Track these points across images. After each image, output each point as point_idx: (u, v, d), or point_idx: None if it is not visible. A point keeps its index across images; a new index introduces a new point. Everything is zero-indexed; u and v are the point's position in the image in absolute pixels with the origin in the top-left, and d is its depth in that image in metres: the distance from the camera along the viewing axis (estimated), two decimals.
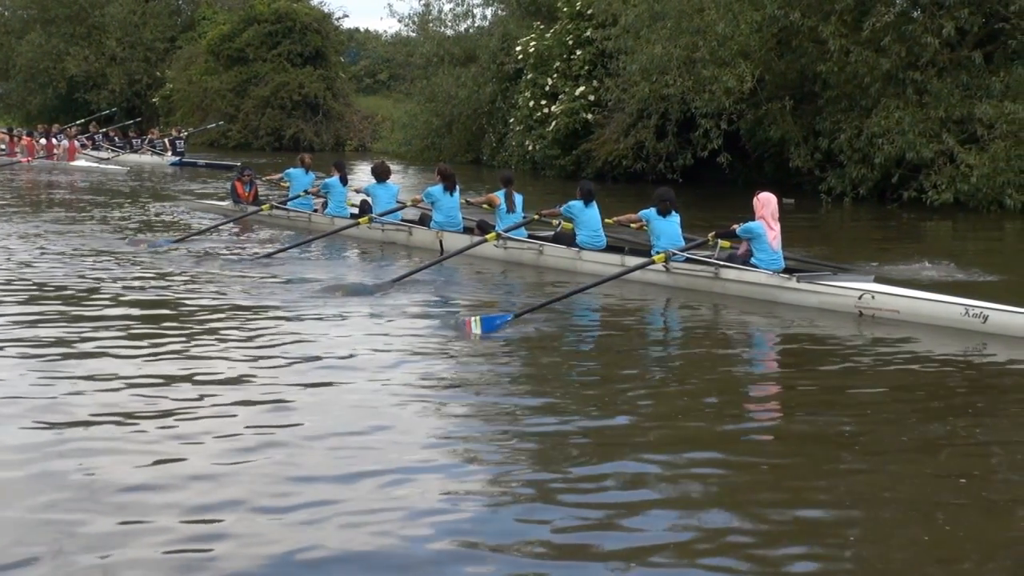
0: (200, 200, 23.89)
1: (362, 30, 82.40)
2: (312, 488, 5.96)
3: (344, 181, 19.07)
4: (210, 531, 5.43)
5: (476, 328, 10.32)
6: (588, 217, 14.68)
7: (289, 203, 19.82)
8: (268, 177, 22.71)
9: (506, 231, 15.28)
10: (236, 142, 55.63)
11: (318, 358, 8.93)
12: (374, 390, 7.99)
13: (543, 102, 36.13)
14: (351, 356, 9.04)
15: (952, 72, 25.03)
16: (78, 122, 47.71)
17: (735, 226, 12.80)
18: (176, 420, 7.18)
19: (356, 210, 18.74)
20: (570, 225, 14.98)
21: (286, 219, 19.77)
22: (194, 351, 9.16)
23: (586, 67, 35.08)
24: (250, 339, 9.67)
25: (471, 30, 47.41)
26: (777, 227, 12.54)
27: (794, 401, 8.21)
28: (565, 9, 36.50)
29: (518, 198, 16.14)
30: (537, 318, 10.91)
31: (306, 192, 19.71)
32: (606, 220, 14.81)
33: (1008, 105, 23.26)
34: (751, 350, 10.56)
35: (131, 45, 64.38)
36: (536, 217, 15.69)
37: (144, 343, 9.39)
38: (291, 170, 20.50)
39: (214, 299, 11.63)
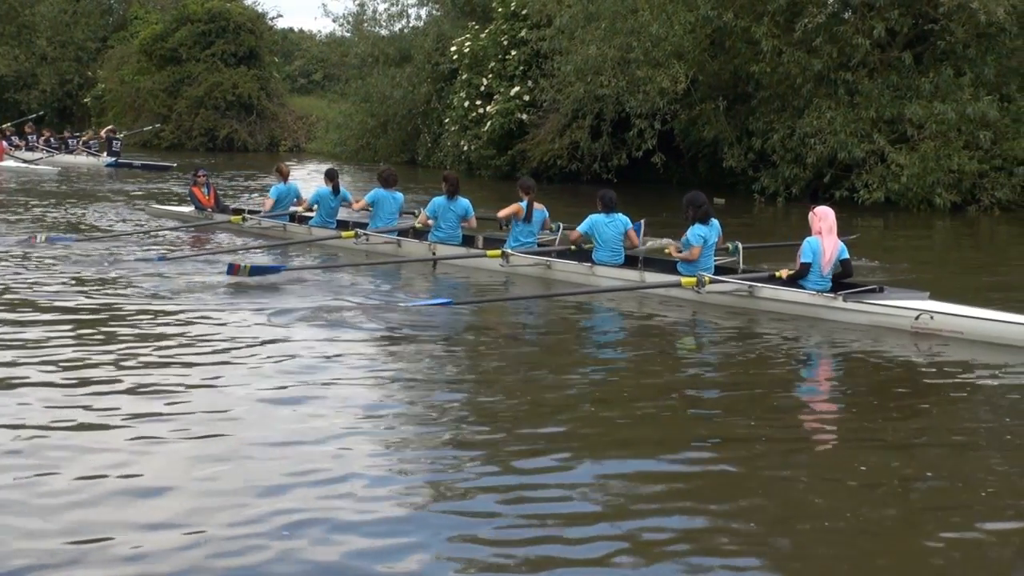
0: (160, 206, 22.35)
1: (296, 30, 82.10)
2: (251, 499, 5.88)
3: (336, 191, 17.53)
4: (149, 547, 5.34)
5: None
6: (609, 233, 13.27)
7: (264, 214, 18.43)
8: (262, 208, 19.36)
9: (515, 249, 14.06)
10: (169, 143, 55.04)
11: (261, 361, 8.84)
12: (325, 393, 7.91)
13: (478, 102, 36.17)
14: (302, 358, 8.91)
15: (882, 73, 25.32)
16: (7, 124, 46.94)
17: (796, 264, 11.45)
18: (104, 429, 7.08)
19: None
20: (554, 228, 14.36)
21: (258, 227, 18.23)
22: (117, 356, 9.00)
23: (521, 67, 35.11)
24: (182, 342, 9.55)
25: (406, 30, 47.27)
26: (833, 241, 11.39)
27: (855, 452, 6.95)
28: (500, 9, 36.53)
29: (537, 214, 14.57)
30: (537, 330, 10.67)
31: (296, 202, 18.49)
32: (666, 251, 12.99)
33: (937, 105, 23.58)
34: (793, 381, 9.17)
35: (62, 44, 63.79)
36: (572, 248, 13.77)
37: (71, 348, 9.25)
38: (273, 187, 18.90)
39: (135, 301, 11.45)
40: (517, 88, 34.64)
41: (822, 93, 25.48)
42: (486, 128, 35.20)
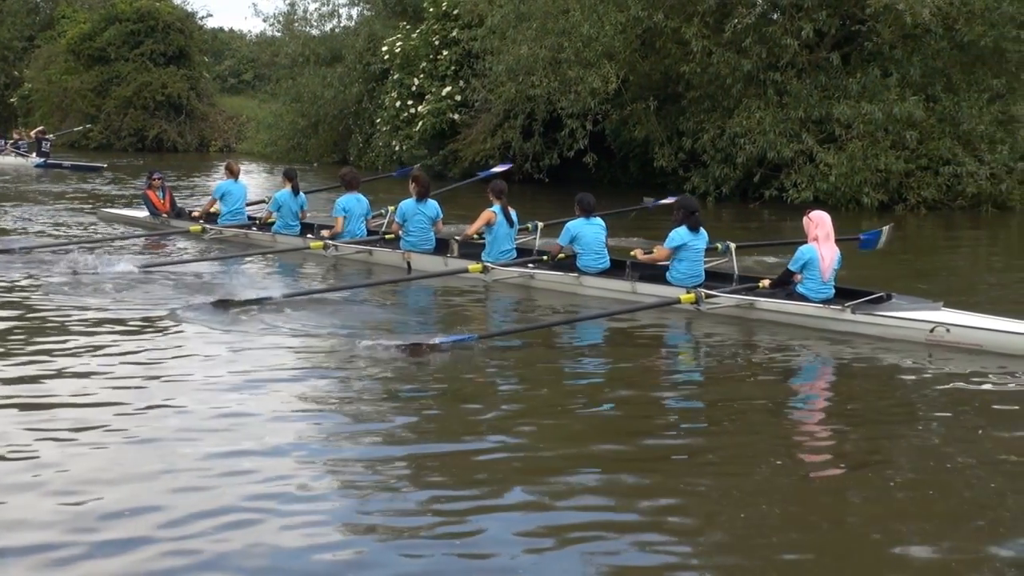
0: (112, 210, 21.63)
1: (226, 30, 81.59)
2: (191, 515, 5.82)
3: (296, 191, 16.92)
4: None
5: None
6: (591, 236, 12.99)
7: (223, 219, 17.84)
8: (197, 212, 18.87)
9: (497, 260, 13.68)
10: (97, 143, 54.37)
11: (211, 377, 8.66)
12: (269, 412, 7.75)
13: (410, 102, 36.14)
14: (253, 377, 8.65)
15: (811, 73, 25.55)
16: None
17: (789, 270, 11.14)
18: (39, 441, 7.03)
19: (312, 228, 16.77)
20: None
21: (219, 235, 17.58)
22: (72, 367, 8.91)
23: (452, 67, 35.12)
24: (127, 355, 9.39)
25: (337, 30, 47.08)
26: (831, 250, 10.96)
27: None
28: (431, 9, 36.51)
29: (512, 213, 14.13)
30: (529, 344, 10.33)
31: (249, 205, 18.06)
32: (632, 253, 12.67)
33: (864, 105, 23.85)
34: (799, 398, 8.88)
35: None
36: (546, 259, 13.61)
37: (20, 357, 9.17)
38: (221, 184, 18.42)
39: (88, 312, 11.18)
40: (449, 88, 34.65)
41: (751, 93, 25.68)
42: (418, 128, 35.17)
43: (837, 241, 11.25)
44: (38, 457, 6.65)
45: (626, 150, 30.28)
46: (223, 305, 11.20)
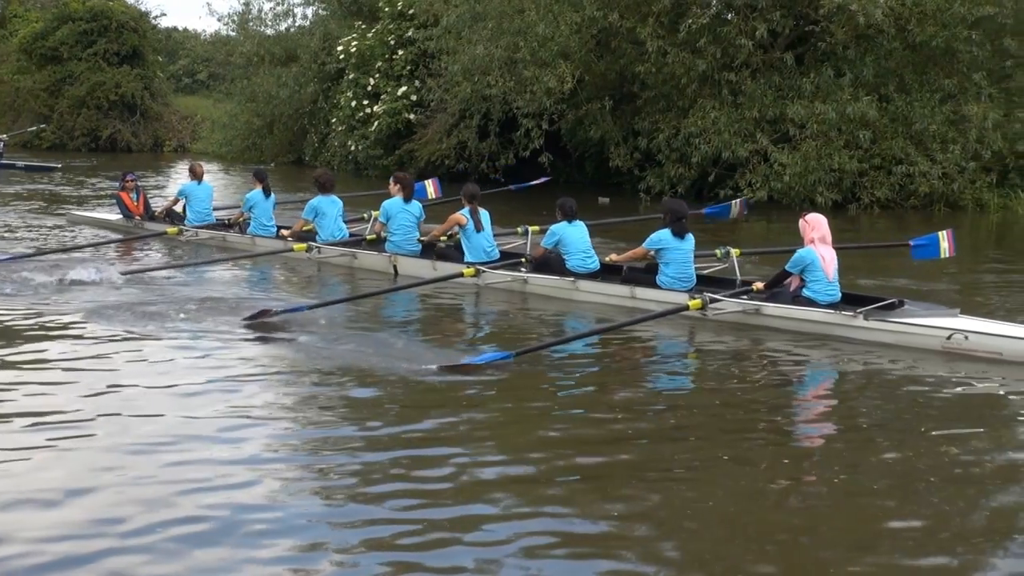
0: (82, 212, 21.25)
1: (180, 29, 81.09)
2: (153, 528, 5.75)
3: (268, 192, 16.72)
4: None
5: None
6: (576, 237, 12.92)
7: (189, 222, 17.52)
8: (159, 208, 18.87)
9: (481, 261, 13.40)
10: (50, 143, 53.84)
11: (179, 386, 8.50)
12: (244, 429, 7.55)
13: (365, 102, 36.01)
14: (220, 391, 8.45)
15: (765, 73, 25.69)
16: None
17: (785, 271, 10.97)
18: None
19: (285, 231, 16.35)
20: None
21: (196, 238, 17.24)
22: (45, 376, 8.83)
23: (408, 67, 35.06)
24: (107, 360, 9.31)
25: (292, 29, 46.85)
26: (830, 253, 10.76)
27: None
28: (387, 9, 36.44)
29: (485, 215, 13.95)
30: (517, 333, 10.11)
31: (216, 209, 17.81)
32: (609, 258, 12.71)
33: (818, 105, 24.03)
34: (809, 409, 8.73)
35: None
36: (524, 260, 13.45)
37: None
38: (184, 186, 18.03)
39: (66, 316, 11.03)
40: (404, 88, 34.60)
41: (706, 93, 25.79)
42: (373, 128, 35.04)
43: (880, 248, 11.00)
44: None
45: (582, 150, 30.33)
46: (256, 318, 10.74)
